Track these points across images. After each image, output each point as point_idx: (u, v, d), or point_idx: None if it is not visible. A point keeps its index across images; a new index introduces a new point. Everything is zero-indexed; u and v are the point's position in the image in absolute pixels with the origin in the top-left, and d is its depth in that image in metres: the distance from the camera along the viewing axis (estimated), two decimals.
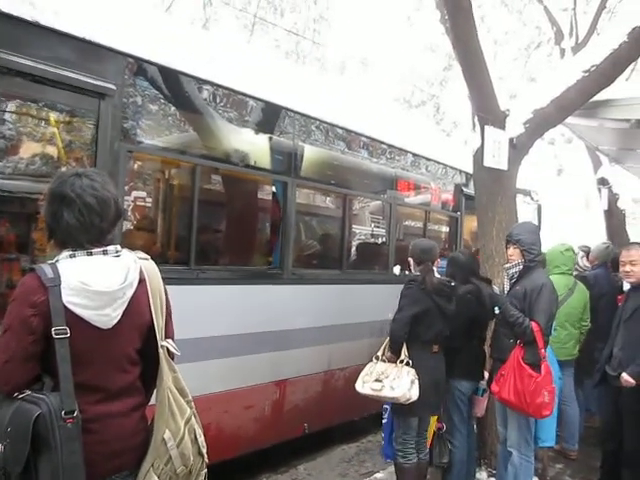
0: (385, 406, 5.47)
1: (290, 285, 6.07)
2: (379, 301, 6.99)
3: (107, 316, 2.35)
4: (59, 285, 2.28)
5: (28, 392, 2.27)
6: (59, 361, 2.26)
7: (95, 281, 2.32)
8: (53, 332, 2.25)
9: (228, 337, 5.34)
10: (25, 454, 2.19)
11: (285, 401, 6.09)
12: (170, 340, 2.59)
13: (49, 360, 2.30)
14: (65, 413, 2.24)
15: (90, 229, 2.41)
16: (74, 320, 2.28)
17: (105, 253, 2.43)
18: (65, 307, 2.27)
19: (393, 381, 4.86)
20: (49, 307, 2.26)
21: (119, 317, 2.39)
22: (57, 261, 2.37)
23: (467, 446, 5.52)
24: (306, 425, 6.36)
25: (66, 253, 2.38)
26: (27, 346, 2.26)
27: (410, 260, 5.35)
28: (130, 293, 2.43)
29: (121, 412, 2.43)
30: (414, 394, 4.84)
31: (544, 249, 7.17)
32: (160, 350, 2.52)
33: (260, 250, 6.58)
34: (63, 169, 4.57)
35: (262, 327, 5.73)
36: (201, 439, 2.62)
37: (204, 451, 2.64)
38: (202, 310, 5.09)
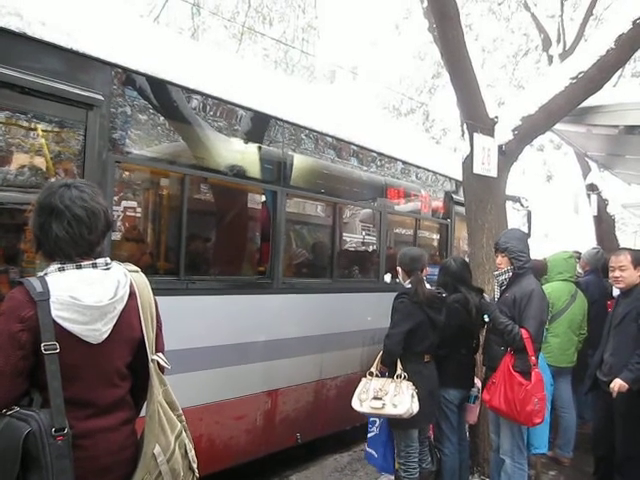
0: (372, 419, 5.44)
1: (280, 294, 6.05)
2: (370, 309, 7.00)
3: (97, 331, 2.32)
4: (48, 299, 2.24)
5: (16, 408, 2.24)
6: (49, 377, 2.23)
7: (85, 295, 2.29)
8: (42, 348, 2.22)
9: (219, 347, 5.31)
10: (15, 473, 2.16)
11: (277, 411, 6.06)
12: (160, 354, 2.57)
13: (38, 375, 2.27)
14: (55, 430, 2.21)
15: (79, 241, 2.37)
16: (63, 335, 2.25)
17: (94, 266, 2.40)
18: (54, 322, 2.24)
19: (394, 398, 4.83)
20: (38, 322, 2.22)
21: (109, 332, 2.36)
22: (46, 274, 2.33)
23: (459, 454, 5.50)
24: (298, 435, 6.33)
25: (55, 266, 2.35)
26: (16, 362, 2.22)
27: (399, 269, 5.32)
28: (120, 307, 2.40)
29: (111, 427, 2.40)
30: (415, 407, 4.82)
31: (545, 256, 7.23)
32: (150, 364, 2.50)
33: (250, 260, 6.56)
34: (51, 180, 4.55)
35: (253, 337, 5.70)
36: (192, 454, 2.60)
37: (195, 466, 2.61)
38: (192, 321, 5.06)
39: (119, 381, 2.46)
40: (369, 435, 5.54)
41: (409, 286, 5.10)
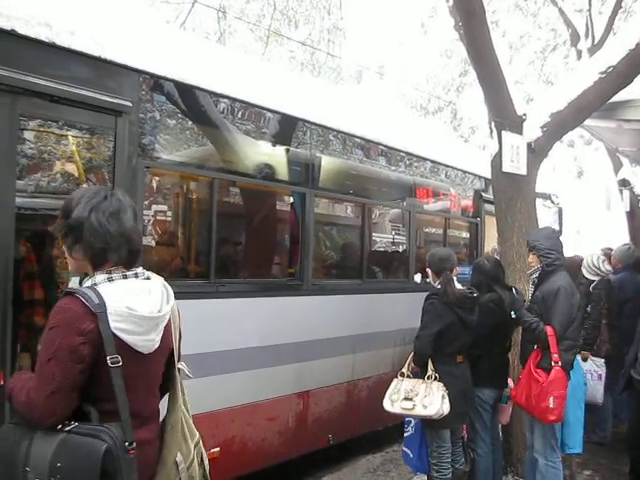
0: (408, 419, 5.43)
1: (311, 296, 6.06)
2: (401, 310, 6.98)
3: (152, 341, 2.33)
4: (105, 311, 2.21)
5: (75, 424, 2.21)
6: (117, 391, 2.22)
7: (139, 306, 2.28)
8: (109, 361, 2.20)
9: (250, 349, 5.33)
10: None
11: (309, 412, 6.07)
12: (182, 363, 2.58)
13: (92, 388, 2.25)
14: (128, 444, 2.20)
15: (117, 249, 2.35)
16: (121, 347, 2.23)
17: (136, 276, 2.39)
18: (112, 334, 2.22)
19: (424, 399, 4.83)
20: (100, 335, 2.19)
21: (159, 342, 2.37)
22: (95, 284, 2.30)
23: (492, 454, 5.47)
24: (330, 436, 6.33)
25: (103, 276, 2.32)
26: (75, 376, 2.19)
27: (428, 271, 5.31)
28: (168, 317, 2.42)
29: (149, 439, 2.40)
30: (446, 408, 4.81)
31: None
32: (177, 373, 2.51)
33: (280, 262, 6.59)
34: (83, 186, 4.63)
35: (284, 339, 5.71)
36: (206, 462, 2.60)
37: (208, 475, 2.61)
38: (223, 323, 5.09)
39: (157, 391, 2.48)
40: (405, 435, 5.54)
41: (439, 286, 5.08)
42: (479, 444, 5.40)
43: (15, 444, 2.20)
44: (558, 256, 5.06)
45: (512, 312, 5.11)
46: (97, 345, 2.20)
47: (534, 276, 5.16)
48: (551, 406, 4.69)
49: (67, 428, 2.18)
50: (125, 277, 2.35)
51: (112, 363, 2.20)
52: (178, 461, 2.43)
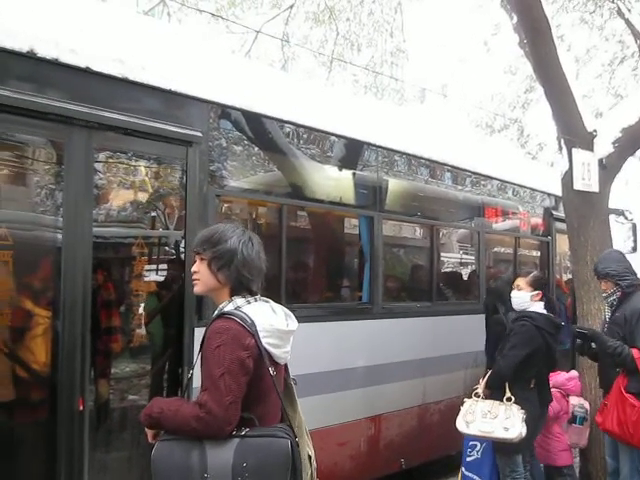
0: (472, 443, 5.32)
1: (381, 319, 6.04)
2: (471, 332, 6.87)
3: (287, 353, 2.74)
4: (256, 329, 2.55)
5: (246, 429, 2.49)
6: (282, 397, 2.65)
7: (276, 323, 2.64)
8: (270, 371, 2.56)
9: (321, 374, 5.33)
10: None
11: (380, 436, 6.03)
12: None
13: (245, 398, 2.51)
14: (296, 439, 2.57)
15: (256, 280, 2.74)
16: (269, 358, 2.58)
17: (260, 299, 2.74)
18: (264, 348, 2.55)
19: (505, 421, 4.74)
20: (259, 349, 2.53)
21: None
22: (238, 307, 2.62)
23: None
24: (402, 460, 6.26)
25: (242, 300, 2.66)
26: (244, 386, 2.49)
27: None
28: None
29: None
30: (524, 432, 4.72)
31: None
32: (291, 382, 2.92)
33: (349, 286, 6.58)
34: (153, 214, 4.75)
35: (355, 363, 5.71)
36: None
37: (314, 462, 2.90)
38: (294, 348, 5.10)
39: None
40: (468, 459, 5.44)
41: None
42: None
43: (183, 457, 2.45)
44: (634, 277, 4.94)
45: (592, 344, 4.97)
46: (257, 359, 2.53)
47: (612, 298, 4.98)
48: None
49: (242, 433, 2.47)
50: (255, 300, 2.70)
51: (272, 372, 2.57)
52: (311, 455, 2.80)
